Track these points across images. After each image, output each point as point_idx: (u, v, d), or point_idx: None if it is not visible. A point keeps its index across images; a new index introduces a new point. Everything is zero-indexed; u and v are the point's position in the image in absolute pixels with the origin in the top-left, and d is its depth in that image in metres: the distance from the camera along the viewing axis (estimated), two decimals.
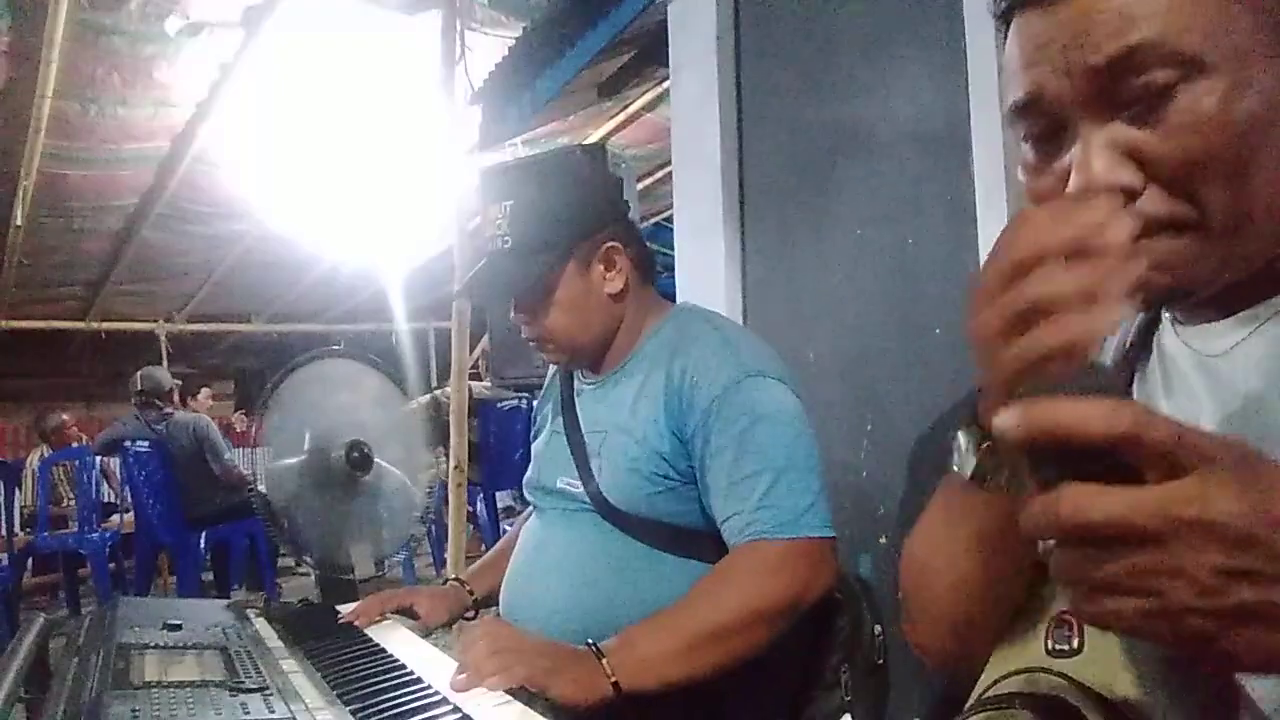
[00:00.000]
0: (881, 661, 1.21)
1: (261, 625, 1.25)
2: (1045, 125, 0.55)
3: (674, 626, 1.05)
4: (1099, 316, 0.42)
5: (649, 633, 1.04)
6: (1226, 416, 0.55)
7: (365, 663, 1.04)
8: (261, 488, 1.65)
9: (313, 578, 1.89)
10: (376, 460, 1.62)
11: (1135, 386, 0.63)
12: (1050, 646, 0.57)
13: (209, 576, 5.07)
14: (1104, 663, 0.54)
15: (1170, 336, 0.62)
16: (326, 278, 7.08)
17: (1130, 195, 0.51)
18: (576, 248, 1.23)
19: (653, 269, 1.32)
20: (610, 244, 1.25)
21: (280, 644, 1.14)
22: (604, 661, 0.99)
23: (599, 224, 1.25)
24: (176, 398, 5.21)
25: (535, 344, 1.29)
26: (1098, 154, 0.51)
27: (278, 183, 4.73)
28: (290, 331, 8.55)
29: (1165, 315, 0.63)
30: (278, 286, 7.41)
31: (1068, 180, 0.53)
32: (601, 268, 1.24)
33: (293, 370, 1.62)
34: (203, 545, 4.76)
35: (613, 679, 0.98)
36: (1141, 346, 0.64)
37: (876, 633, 1.20)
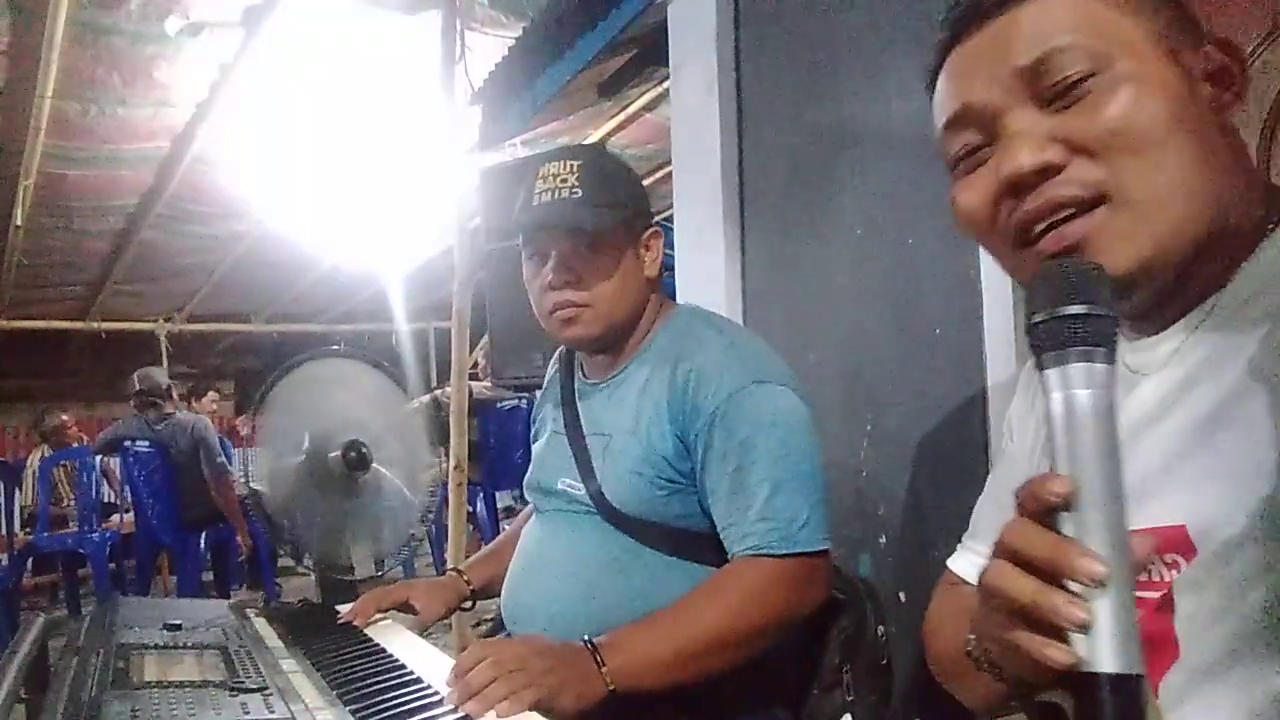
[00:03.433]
0: (886, 661, 1.21)
1: (261, 625, 1.25)
2: (973, 136, 0.61)
3: (668, 635, 1.06)
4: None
5: (644, 636, 1.06)
6: (1139, 433, 0.59)
7: (365, 662, 1.04)
8: (256, 487, 1.64)
9: (313, 578, 1.89)
10: (375, 461, 1.61)
11: None
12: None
13: (209, 577, 5.06)
14: None
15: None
16: (326, 278, 7.08)
17: (1057, 169, 0.57)
18: (635, 220, 1.25)
19: (669, 272, 1.35)
20: (654, 229, 1.28)
21: (280, 644, 1.15)
22: (603, 669, 1.00)
23: (648, 209, 1.29)
24: (176, 397, 5.21)
25: (566, 312, 1.22)
26: (1023, 141, 0.58)
27: (277, 183, 4.74)
28: (290, 331, 8.55)
29: None
30: (277, 286, 7.41)
31: (994, 181, 0.59)
32: (644, 249, 1.27)
33: (289, 370, 1.61)
34: (202, 545, 4.75)
35: (610, 684, 1.00)
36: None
37: (880, 633, 1.20)
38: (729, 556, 1.12)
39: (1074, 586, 0.45)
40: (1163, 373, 0.60)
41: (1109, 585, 0.45)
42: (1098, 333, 0.48)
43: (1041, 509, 0.48)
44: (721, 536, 1.13)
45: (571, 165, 1.21)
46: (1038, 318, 0.49)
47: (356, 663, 1.04)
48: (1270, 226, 0.58)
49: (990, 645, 0.54)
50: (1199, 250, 0.57)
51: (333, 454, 1.57)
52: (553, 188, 1.20)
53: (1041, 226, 0.58)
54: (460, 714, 0.86)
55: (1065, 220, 0.57)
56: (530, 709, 0.90)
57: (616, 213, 1.21)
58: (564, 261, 1.21)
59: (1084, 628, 0.45)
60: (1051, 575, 0.47)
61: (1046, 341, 0.49)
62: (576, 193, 1.19)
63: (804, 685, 1.20)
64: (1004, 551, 0.49)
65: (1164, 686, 0.55)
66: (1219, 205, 0.57)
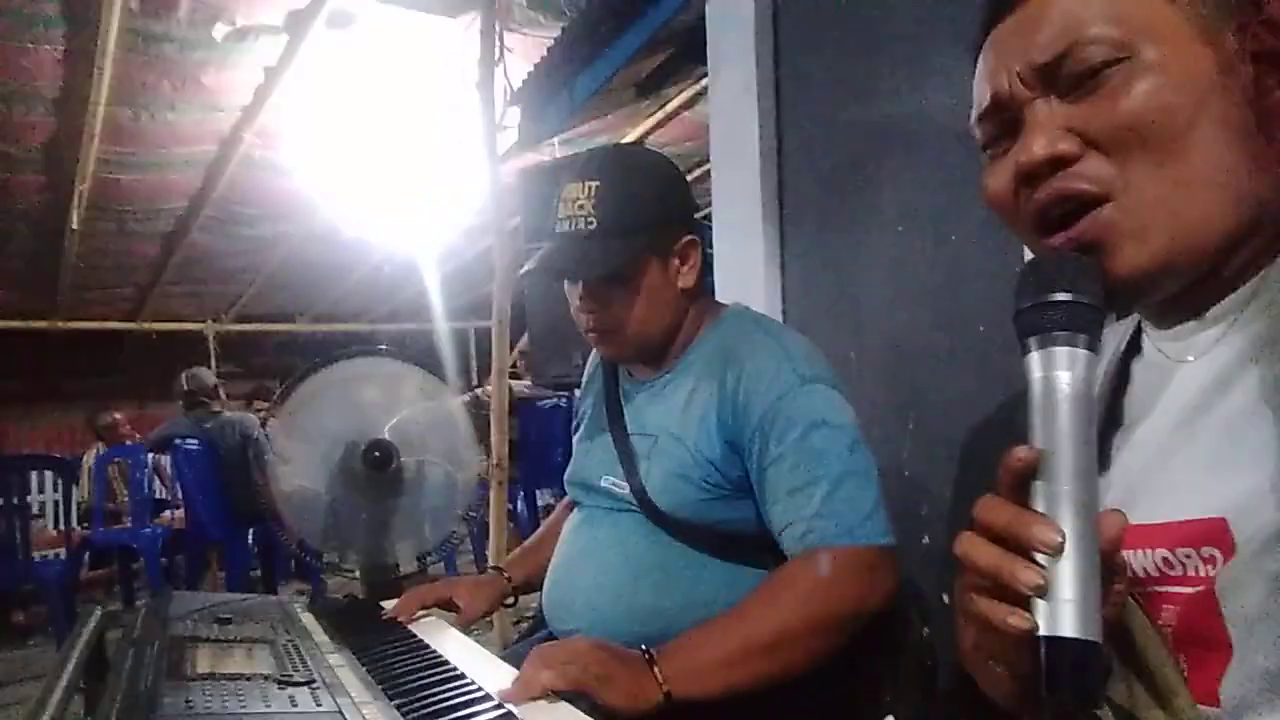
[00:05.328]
0: (931, 663, 1.19)
1: (308, 620, 1.27)
2: (1001, 124, 0.61)
3: (730, 634, 1.03)
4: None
5: (704, 639, 1.03)
6: (1182, 422, 0.59)
7: (409, 658, 1.06)
8: (285, 487, 1.66)
9: (357, 574, 1.92)
10: (417, 458, 1.63)
11: (1125, 390, 0.66)
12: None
13: (258, 573, 5.17)
14: (1122, 683, 0.58)
15: (1146, 341, 0.65)
16: (369, 278, 7.18)
17: (1070, 161, 0.56)
18: (661, 235, 1.21)
19: (709, 271, 1.31)
20: (690, 237, 1.24)
21: (326, 639, 1.17)
22: (656, 669, 0.98)
23: (681, 216, 1.24)
24: (224, 395, 5.32)
25: (596, 335, 1.24)
26: (1038, 132, 0.57)
27: (320, 184, 4.81)
28: (334, 331, 8.69)
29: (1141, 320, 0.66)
30: (321, 286, 7.53)
31: (1013, 168, 0.59)
32: (677, 261, 1.23)
33: (315, 370, 1.63)
34: (250, 541, 4.85)
35: (665, 687, 0.97)
36: (1133, 348, 0.67)
37: (925, 634, 1.18)
38: (788, 557, 1.10)
39: (1039, 558, 0.48)
40: (1204, 360, 0.58)
41: (1070, 555, 0.47)
42: (1081, 320, 0.50)
43: (1013, 479, 0.50)
44: (780, 539, 1.11)
45: (590, 188, 1.18)
46: (1024, 303, 0.52)
47: (401, 658, 1.06)
48: None
49: (965, 620, 0.55)
50: (1232, 241, 0.56)
51: (370, 453, 1.59)
52: (571, 215, 1.19)
53: (1055, 214, 0.58)
54: (503, 710, 0.87)
55: (1075, 216, 0.57)
56: (572, 689, 0.90)
57: (638, 240, 1.18)
58: (588, 292, 1.21)
59: (1040, 592, 0.47)
60: (1013, 544, 0.49)
61: (1031, 326, 0.51)
62: (592, 223, 1.17)
63: (848, 688, 1.18)
64: (974, 524, 0.51)
65: (1224, 690, 0.53)
66: (1253, 195, 0.55)
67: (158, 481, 5.65)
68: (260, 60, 3.53)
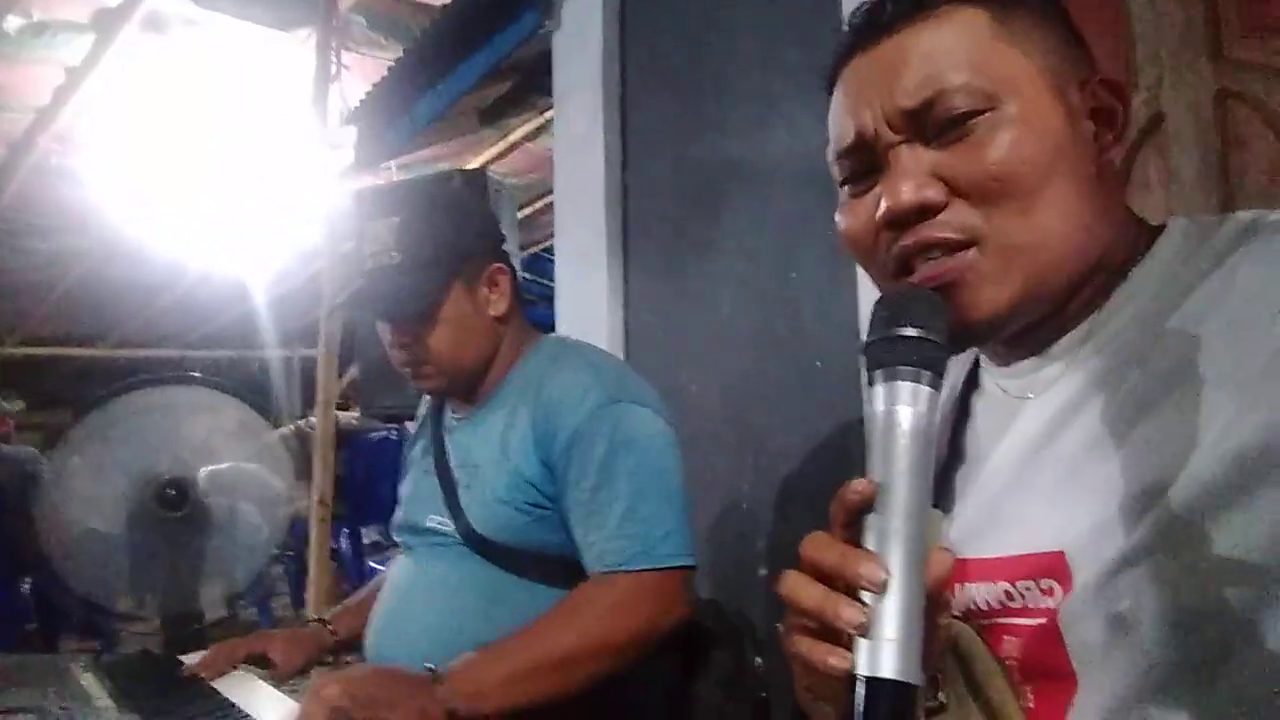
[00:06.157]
0: (765, 695, 1.20)
1: (89, 681, 1.12)
2: (863, 163, 0.61)
3: (516, 653, 1.04)
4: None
5: (491, 658, 1.03)
6: (1024, 458, 0.60)
7: None
8: (72, 529, 1.49)
9: (156, 623, 1.73)
10: (221, 497, 1.50)
11: (967, 425, 0.68)
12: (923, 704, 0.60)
13: (35, 625, 4.60)
14: (959, 715, 0.59)
15: (986, 377, 0.67)
16: (184, 300, 6.67)
17: (936, 209, 0.57)
18: (466, 265, 1.22)
19: (524, 300, 1.33)
20: (496, 265, 1.25)
21: (111, 703, 1.03)
22: (439, 689, 0.97)
23: (484, 246, 1.26)
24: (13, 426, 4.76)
25: (411, 369, 1.24)
26: (906, 178, 0.58)
27: (129, 197, 4.44)
28: (141, 357, 7.99)
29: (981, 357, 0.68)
30: (128, 308, 6.92)
31: (875, 211, 0.59)
32: (486, 289, 1.24)
33: (111, 398, 1.49)
34: (28, 590, 4.32)
35: (450, 705, 0.97)
36: (971, 384, 0.69)
37: (759, 665, 1.19)
38: (588, 576, 1.10)
39: (865, 597, 0.47)
40: (1044, 397, 0.61)
41: (895, 593, 0.46)
42: (926, 357, 0.51)
43: (846, 513, 0.50)
44: (582, 558, 1.12)
45: (391, 225, 1.20)
46: (873, 336, 0.53)
47: None
48: (1139, 255, 0.60)
49: (791, 660, 0.54)
50: (1076, 285, 0.59)
51: (164, 491, 1.45)
52: (375, 251, 1.21)
53: (918, 260, 0.59)
54: None
55: (936, 257, 0.58)
56: (351, 711, 0.90)
57: (440, 271, 1.19)
58: (398, 328, 1.22)
59: (863, 631, 0.46)
60: (838, 582, 0.48)
61: (877, 360, 0.52)
62: (394, 257, 1.20)
63: (674, 716, 1.17)
64: (799, 562, 0.51)
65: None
66: (1095, 243, 0.59)
67: None
68: (61, 59, 3.22)
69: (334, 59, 3.05)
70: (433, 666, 1.00)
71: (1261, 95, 1.02)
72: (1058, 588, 0.56)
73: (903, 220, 0.58)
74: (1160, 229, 0.61)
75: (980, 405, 0.67)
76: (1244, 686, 0.49)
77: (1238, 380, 0.50)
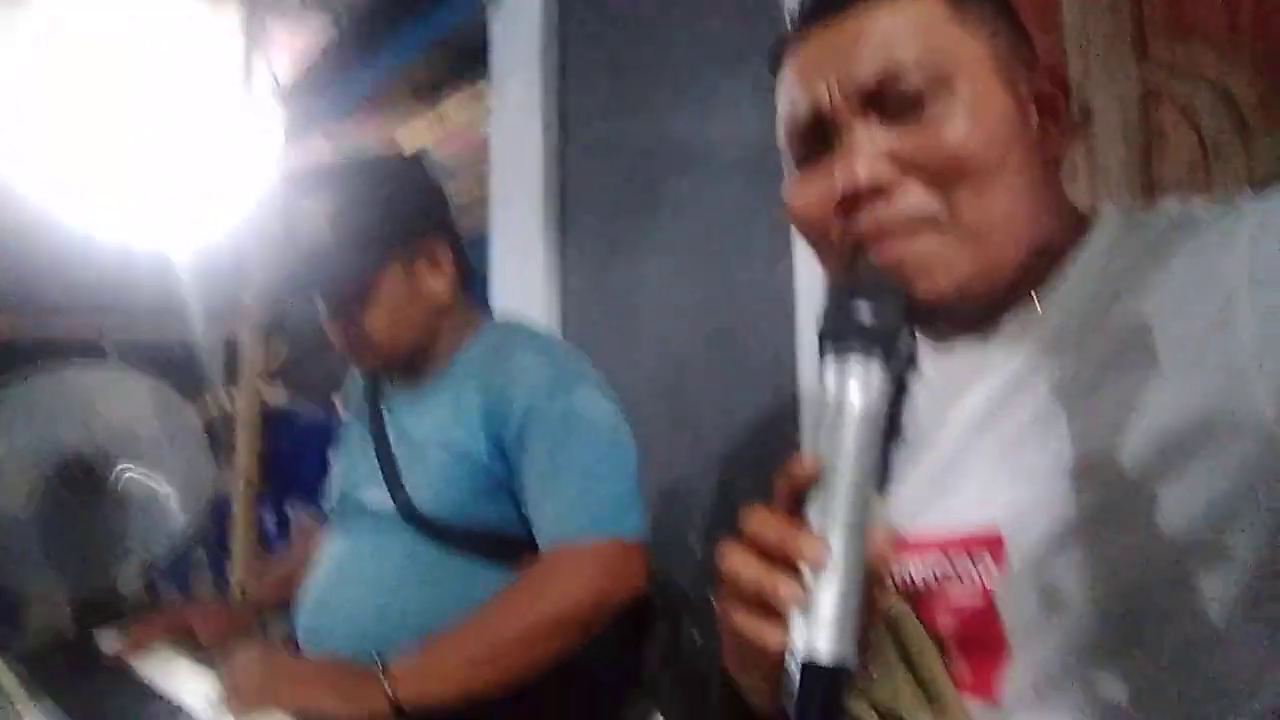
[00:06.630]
0: (705, 672, 1.22)
1: None
2: (816, 139, 0.61)
3: (471, 636, 1.03)
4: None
5: (445, 645, 1.02)
6: (964, 439, 0.62)
7: (134, 706, 0.93)
8: None
9: (65, 607, 1.69)
10: (137, 474, 1.47)
11: (905, 406, 0.68)
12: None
13: None
14: (888, 685, 0.60)
15: (925, 360, 0.68)
16: (97, 275, 6.39)
17: (891, 189, 0.58)
18: (403, 245, 1.19)
19: (473, 279, 1.30)
20: (435, 243, 1.22)
21: (21, 690, 1.00)
22: (385, 681, 0.96)
23: (425, 224, 1.23)
24: None
25: (349, 349, 1.22)
26: (862, 157, 0.58)
27: (26, 166, 4.22)
28: (46, 336, 7.63)
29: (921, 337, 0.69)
30: (29, 282, 6.58)
31: (829, 189, 0.59)
32: (426, 268, 1.21)
33: (12, 378, 1.44)
34: None
35: (394, 697, 0.95)
36: (909, 363, 0.70)
37: (696, 639, 1.21)
38: (533, 553, 1.10)
39: (805, 575, 0.47)
40: (985, 380, 0.62)
41: (834, 571, 0.47)
42: (880, 338, 0.51)
43: (790, 489, 0.50)
44: (535, 535, 1.11)
45: (325, 202, 1.18)
46: (828, 316, 0.53)
47: (123, 706, 0.93)
48: (1076, 241, 0.61)
49: (725, 631, 0.55)
50: (1021, 269, 0.60)
51: (68, 472, 1.41)
52: (308, 230, 1.18)
53: (871, 242, 0.59)
54: None
55: (892, 238, 0.58)
56: (292, 714, 0.88)
57: (375, 250, 1.17)
58: (333, 307, 1.19)
59: (800, 607, 0.47)
60: (778, 558, 0.49)
61: (831, 339, 0.52)
62: (329, 237, 1.17)
63: (620, 695, 1.19)
64: (741, 536, 0.51)
65: (1002, 689, 0.57)
66: (1041, 228, 0.60)
67: None
68: None
69: (262, 30, 2.95)
70: (379, 656, 0.99)
71: (1184, 96, 1.06)
72: (992, 563, 0.57)
73: (857, 199, 0.58)
74: (1091, 216, 0.63)
75: (919, 386, 0.68)
76: (1175, 657, 0.52)
77: (1171, 364, 0.52)
